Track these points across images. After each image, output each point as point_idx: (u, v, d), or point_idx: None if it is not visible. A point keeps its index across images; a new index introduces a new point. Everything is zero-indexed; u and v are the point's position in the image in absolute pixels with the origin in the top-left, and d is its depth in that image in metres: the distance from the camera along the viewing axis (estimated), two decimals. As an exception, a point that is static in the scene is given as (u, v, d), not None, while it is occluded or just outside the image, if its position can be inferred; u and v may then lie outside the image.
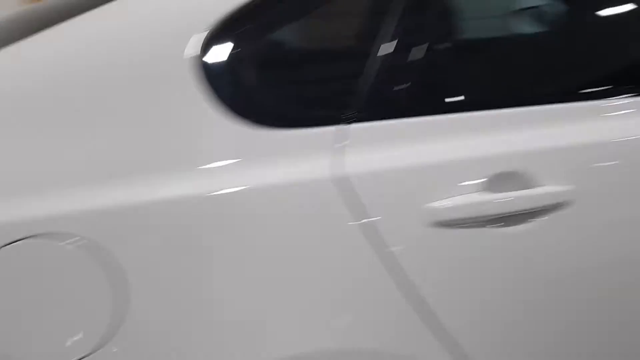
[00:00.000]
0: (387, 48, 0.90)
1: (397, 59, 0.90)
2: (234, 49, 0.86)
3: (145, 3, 0.89)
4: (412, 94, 0.93)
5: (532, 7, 1.20)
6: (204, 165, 0.82)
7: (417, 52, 0.93)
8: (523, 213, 0.89)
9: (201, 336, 0.81)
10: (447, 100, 0.97)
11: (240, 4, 0.85)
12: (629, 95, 1.00)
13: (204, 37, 0.83)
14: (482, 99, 0.98)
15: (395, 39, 0.90)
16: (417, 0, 0.96)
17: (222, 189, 0.81)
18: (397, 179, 0.87)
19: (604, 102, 0.98)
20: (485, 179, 0.88)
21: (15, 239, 0.75)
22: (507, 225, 0.89)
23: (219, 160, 0.83)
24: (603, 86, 1.04)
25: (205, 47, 0.83)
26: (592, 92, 1.01)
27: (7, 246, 0.75)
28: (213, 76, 0.83)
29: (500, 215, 0.88)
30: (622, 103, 0.99)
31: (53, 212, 0.77)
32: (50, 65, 0.83)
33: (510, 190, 0.88)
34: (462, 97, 0.98)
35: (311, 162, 0.84)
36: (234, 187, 0.82)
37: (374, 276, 0.85)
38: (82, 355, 0.78)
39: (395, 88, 0.92)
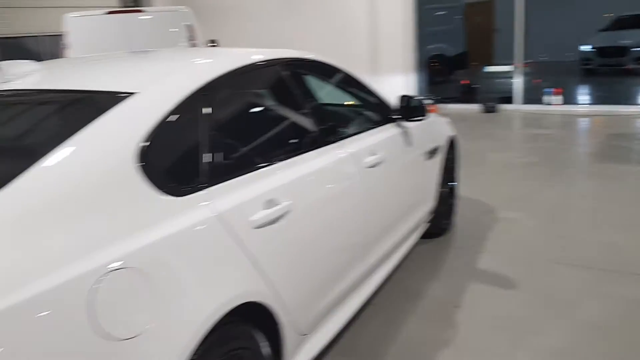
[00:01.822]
0: (214, 153, 1.97)
1: (223, 156, 2.03)
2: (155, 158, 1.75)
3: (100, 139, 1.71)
4: (233, 169, 2.05)
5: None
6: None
7: (234, 147, 2.18)
8: (278, 216, 2.07)
9: None
10: (244, 166, 2.11)
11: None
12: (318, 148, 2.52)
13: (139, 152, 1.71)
14: (259, 163, 2.17)
15: (214, 146, 1.99)
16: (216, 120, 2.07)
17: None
18: (238, 207, 1.93)
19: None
20: (266, 201, 2.04)
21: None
22: (275, 223, 2.06)
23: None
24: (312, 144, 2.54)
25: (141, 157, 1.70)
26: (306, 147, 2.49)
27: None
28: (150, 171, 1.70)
29: (272, 219, 2.04)
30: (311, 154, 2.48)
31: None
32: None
33: (272, 207, 2.05)
34: (251, 164, 2.16)
35: (199, 210, 1.80)
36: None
37: (237, 254, 1.88)
38: None
39: (224, 169, 2.00)
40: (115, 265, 1.46)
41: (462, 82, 11.83)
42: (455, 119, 9.37)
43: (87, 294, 1.37)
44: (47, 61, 2.60)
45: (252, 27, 11.21)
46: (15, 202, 1.43)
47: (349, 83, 3.22)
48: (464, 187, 4.88)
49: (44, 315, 1.29)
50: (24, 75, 2.15)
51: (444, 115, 4.74)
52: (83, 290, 1.37)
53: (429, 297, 3.31)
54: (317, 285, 2.38)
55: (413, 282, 3.49)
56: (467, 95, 11.29)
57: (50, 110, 2.03)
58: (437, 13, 12.60)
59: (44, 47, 11.52)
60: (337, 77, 3.15)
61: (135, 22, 6.88)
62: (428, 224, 3.98)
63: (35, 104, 2.06)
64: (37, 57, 2.26)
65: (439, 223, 4.15)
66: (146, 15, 7.05)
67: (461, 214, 4.57)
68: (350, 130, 3.02)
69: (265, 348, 2.00)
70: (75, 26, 6.72)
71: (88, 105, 1.89)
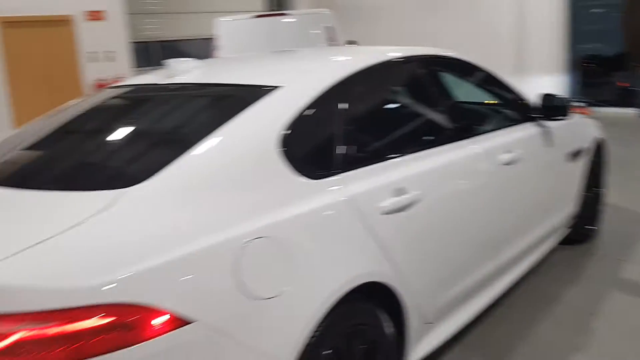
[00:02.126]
0: (348, 143, 2.17)
1: (356, 145, 2.22)
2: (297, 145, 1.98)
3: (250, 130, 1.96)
4: (364, 158, 2.22)
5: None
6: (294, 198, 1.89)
7: (367, 138, 2.35)
8: (407, 204, 2.20)
9: None
10: (375, 156, 2.29)
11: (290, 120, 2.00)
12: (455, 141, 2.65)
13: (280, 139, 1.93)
14: (390, 153, 2.32)
15: (348, 136, 2.19)
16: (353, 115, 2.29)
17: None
18: (368, 192, 2.09)
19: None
20: (396, 190, 2.17)
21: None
22: (403, 211, 2.19)
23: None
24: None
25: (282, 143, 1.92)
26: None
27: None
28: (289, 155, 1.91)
29: (400, 207, 2.17)
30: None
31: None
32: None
33: (400, 196, 2.18)
34: (382, 154, 2.32)
35: (332, 193, 2.00)
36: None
37: (364, 236, 2.04)
38: None
39: (356, 157, 2.18)
40: (258, 234, 1.69)
41: (619, 84, 11.09)
42: (610, 123, 8.85)
43: (234, 256, 1.61)
44: (205, 60, 2.96)
45: (394, 26, 11.37)
46: (180, 175, 1.71)
47: (488, 81, 3.26)
48: (612, 194, 4.66)
49: (197, 269, 1.55)
50: (187, 71, 2.49)
51: (597, 118, 4.57)
52: (230, 252, 1.61)
53: (565, 302, 3.25)
54: (443, 275, 2.47)
55: (549, 287, 3.44)
56: (624, 99, 10.57)
57: (209, 100, 2.34)
58: (592, 10, 11.93)
59: (196, 50, 12.58)
60: (476, 74, 3.21)
61: (280, 25, 7.34)
62: (569, 229, 3.88)
63: (196, 94, 2.38)
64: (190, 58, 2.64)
65: (581, 229, 4.02)
66: (290, 18, 7.50)
67: (607, 222, 4.38)
68: (485, 127, 3.06)
69: (389, 329, 2.14)
70: (226, 29, 7.31)
71: (239, 97, 2.16)
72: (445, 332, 2.52)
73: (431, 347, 2.43)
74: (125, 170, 1.91)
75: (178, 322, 1.47)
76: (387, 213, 2.14)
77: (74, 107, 2.63)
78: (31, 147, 2.31)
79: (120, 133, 2.24)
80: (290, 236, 1.79)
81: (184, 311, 1.48)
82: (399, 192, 2.20)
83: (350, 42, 9.10)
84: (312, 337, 1.76)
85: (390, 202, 2.15)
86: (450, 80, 3.02)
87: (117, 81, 9.25)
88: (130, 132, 2.23)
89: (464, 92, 3.24)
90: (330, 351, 1.87)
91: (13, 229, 1.61)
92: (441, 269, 2.46)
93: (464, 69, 3.17)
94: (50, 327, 1.34)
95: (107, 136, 2.27)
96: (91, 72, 9.30)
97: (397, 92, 2.78)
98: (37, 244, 1.45)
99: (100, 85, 9.12)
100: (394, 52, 2.71)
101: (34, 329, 1.33)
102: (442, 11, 11.08)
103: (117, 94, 2.66)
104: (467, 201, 2.62)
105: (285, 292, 1.71)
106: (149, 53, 12.31)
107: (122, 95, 2.65)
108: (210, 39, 7.65)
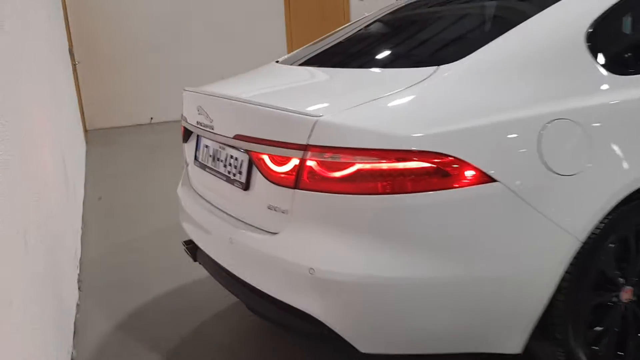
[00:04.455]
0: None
1: None
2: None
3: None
4: None
5: None
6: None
7: None
8: None
9: None
10: None
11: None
12: None
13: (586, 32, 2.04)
14: None
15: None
16: None
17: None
18: None
19: None
20: None
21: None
22: None
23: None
24: None
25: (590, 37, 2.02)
26: None
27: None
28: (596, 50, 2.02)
29: None
30: None
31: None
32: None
33: None
34: None
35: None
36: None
37: None
38: None
39: None
40: (561, 116, 1.86)
41: None
42: None
43: (538, 132, 1.82)
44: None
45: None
46: (485, 58, 1.96)
47: None
48: None
49: (504, 137, 1.79)
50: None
51: None
52: (535, 128, 1.82)
53: None
54: None
55: None
56: None
57: None
58: None
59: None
60: None
61: None
62: None
63: None
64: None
65: None
66: None
67: None
68: None
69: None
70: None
71: None
72: None
73: None
74: (438, 53, 2.23)
75: (483, 178, 1.73)
76: None
77: (385, 9, 3.09)
78: (349, 41, 2.82)
79: (432, 27, 2.59)
80: (592, 122, 1.92)
81: (489, 171, 1.74)
82: None
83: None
84: (604, 221, 1.90)
85: None
86: None
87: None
88: (440, 24, 2.56)
89: None
90: (615, 245, 1.99)
91: (356, 90, 2.06)
92: None
93: None
94: (381, 162, 1.70)
95: (420, 28, 2.65)
96: (358, 10, 10.06)
97: None
98: (373, 100, 1.85)
99: (367, 22, 9.83)
100: None
101: (368, 162, 1.71)
102: None
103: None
104: None
105: (583, 173, 1.86)
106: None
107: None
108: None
